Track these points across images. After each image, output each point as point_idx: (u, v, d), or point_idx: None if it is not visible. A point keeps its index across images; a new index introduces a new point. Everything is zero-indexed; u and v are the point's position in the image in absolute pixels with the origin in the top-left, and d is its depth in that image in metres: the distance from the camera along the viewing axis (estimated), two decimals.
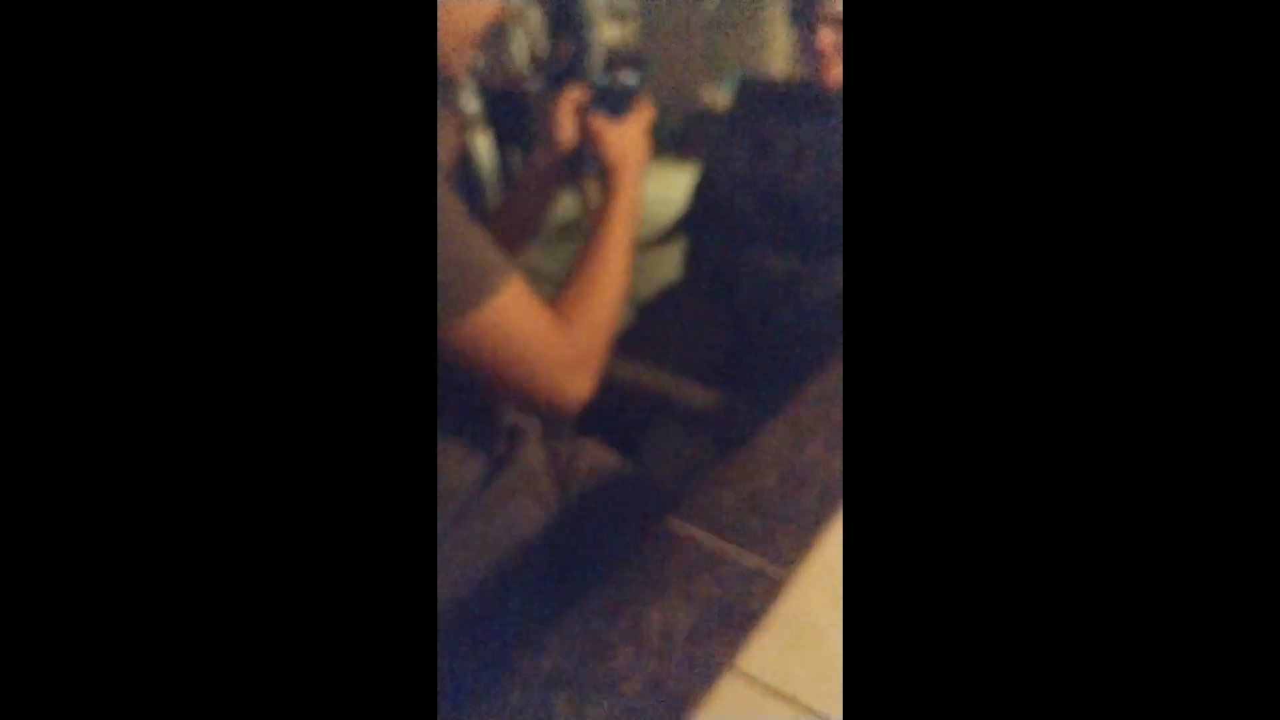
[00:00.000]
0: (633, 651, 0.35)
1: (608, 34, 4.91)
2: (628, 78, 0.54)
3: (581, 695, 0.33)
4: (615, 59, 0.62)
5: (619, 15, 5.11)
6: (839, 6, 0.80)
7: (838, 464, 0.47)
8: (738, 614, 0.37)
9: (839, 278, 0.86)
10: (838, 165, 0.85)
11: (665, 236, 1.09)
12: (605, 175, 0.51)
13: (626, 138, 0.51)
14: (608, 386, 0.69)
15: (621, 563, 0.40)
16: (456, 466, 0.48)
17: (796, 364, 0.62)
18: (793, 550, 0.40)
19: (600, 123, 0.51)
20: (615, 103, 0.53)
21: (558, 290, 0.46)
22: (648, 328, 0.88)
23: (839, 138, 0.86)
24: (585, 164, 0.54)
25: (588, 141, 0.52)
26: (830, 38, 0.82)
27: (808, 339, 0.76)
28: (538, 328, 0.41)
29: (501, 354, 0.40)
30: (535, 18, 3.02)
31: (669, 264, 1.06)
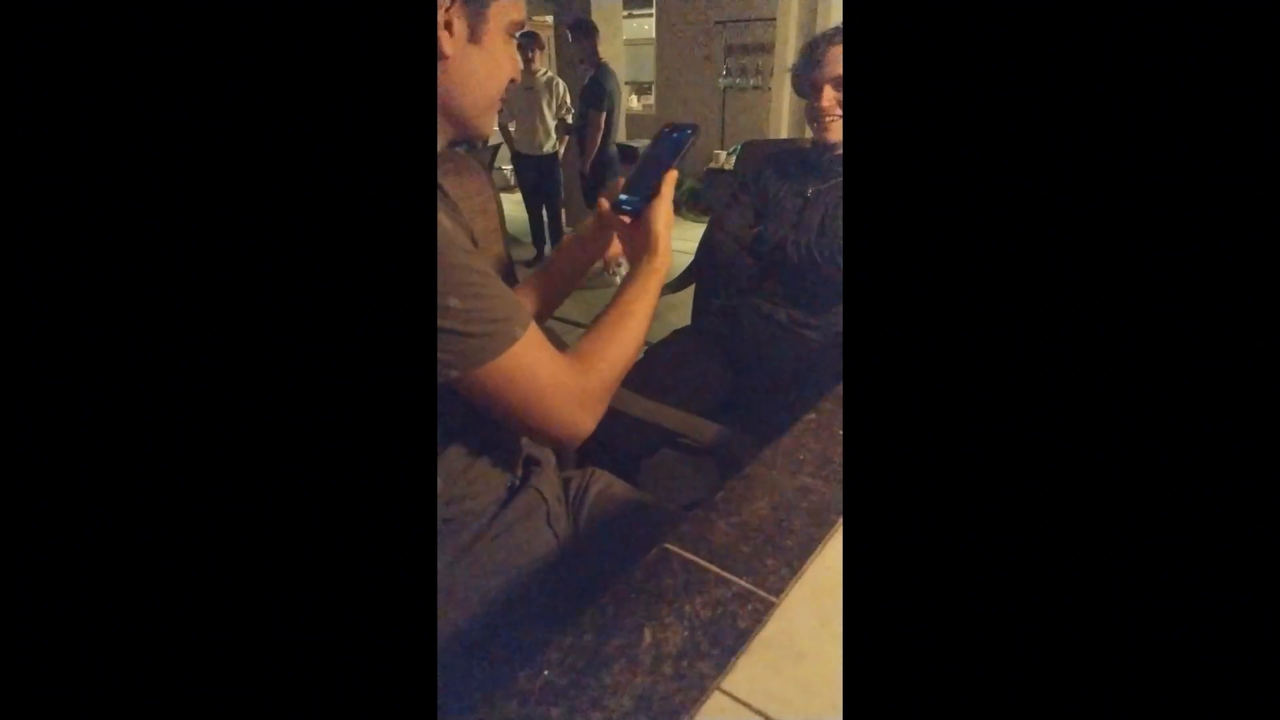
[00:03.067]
0: (625, 668, 0.37)
1: (631, 105, 5.24)
2: (678, 133, 0.60)
3: (573, 708, 0.35)
4: (667, 124, 0.71)
5: (640, 88, 5.50)
6: (839, 70, 0.86)
7: (827, 491, 0.49)
8: (727, 635, 0.38)
9: (834, 327, 0.89)
10: (836, 222, 0.89)
11: (676, 285, 1.15)
12: (648, 248, 0.54)
13: (662, 220, 0.55)
14: (618, 419, 0.73)
15: (619, 582, 0.42)
16: (476, 491, 0.52)
17: (791, 402, 0.65)
18: (781, 575, 0.42)
19: (659, 219, 0.55)
20: (667, 152, 0.59)
21: (580, 332, 0.50)
22: (657, 366, 0.92)
23: (838, 194, 0.91)
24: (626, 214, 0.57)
25: (632, 228, 0.56)
26: (831, 97, 0.87)
27: (802, 380, 0.79)
28: (549, 370, 0.45)
29: (517, 394, 0.45)
30: (561, 89, 3.30)
31: (678, 310, 1.12)
